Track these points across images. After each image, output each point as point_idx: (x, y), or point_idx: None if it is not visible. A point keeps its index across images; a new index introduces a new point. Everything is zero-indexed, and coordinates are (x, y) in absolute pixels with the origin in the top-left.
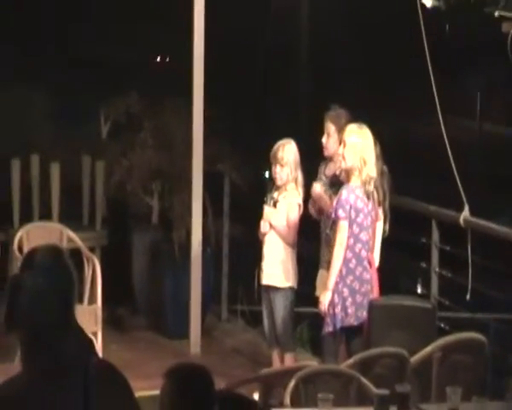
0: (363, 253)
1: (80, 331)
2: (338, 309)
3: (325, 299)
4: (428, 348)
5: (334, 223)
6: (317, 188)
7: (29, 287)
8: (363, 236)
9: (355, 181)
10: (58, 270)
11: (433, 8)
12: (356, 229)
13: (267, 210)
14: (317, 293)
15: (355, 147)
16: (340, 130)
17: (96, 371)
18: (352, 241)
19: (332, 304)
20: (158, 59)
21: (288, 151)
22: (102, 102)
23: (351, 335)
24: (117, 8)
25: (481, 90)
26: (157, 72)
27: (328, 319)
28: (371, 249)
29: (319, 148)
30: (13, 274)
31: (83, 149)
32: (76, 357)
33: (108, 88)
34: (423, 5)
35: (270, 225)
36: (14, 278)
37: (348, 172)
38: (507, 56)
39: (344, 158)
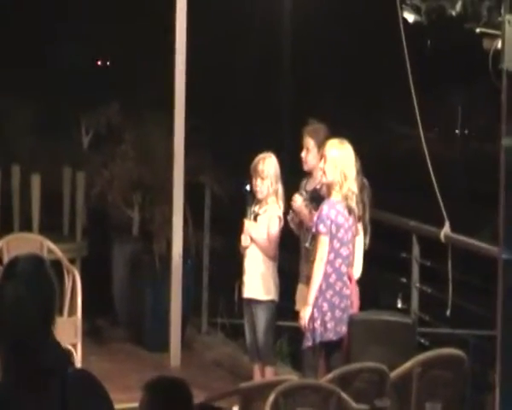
0: (343, 268)
1: (57, 343)
2: (317, 324)
3: (305, 314)
4: (408, 364)
5: (315, 237)
6: (298, 201)
7: (10, 296)
8: (344, 251)
9: (336, 196)
10: (40, 280)
11: (415, 22)
12: (336, 244)
13: (247, 224)
14: (297, 307)
15: (335, 161)
16: (319, 144)
17: (75, 381)
18: (332, 256)
19: (311, 319)
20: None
21: (268, 164)
22: (83, 113)
23: (330, 350)
24: (98, 17)
25: (462, 105)
26: (138, 82)
27: (307, 334)
28: (351, 264)
29: (300, 162)
30: None
31: (64, 160)
32: (55, 369)
33: (89, 99)
34: (405, 20)
35: (251, 239)
36: None
37: (329, 187)
38: (488, 72)
39: (324, 173)
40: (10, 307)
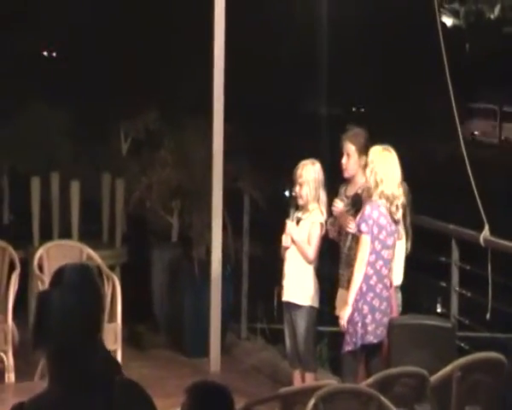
0: (384, 270)
1: (107, 351)
2: (358, 327)
3: (345, 314)
4: (448, 368)
5: (355, 240)
6: (339, 205)
7: (58, 304)
8: (385, 253)
9: (377, 199)
10: (87, 288)
11: (454, 26)
12: (378, 245)
13: (290, 225)
14: (337, 312)
15: (379, 166)
16: (360, 150)
17: (122, 390)
18: (373, 257)
19: (352, 322)
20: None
21: (307, 170)
22: (122, 119)
23: (370, 354)
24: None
25: (501, 109)
26: (177, 88)
27: (347, 338)
28: (391, 269)
29: (338, 169)
30: (41, 290)
31: (103, 166)
32: (103, 375)
33: (128, 106)
34: (443, 23)
35: (292, 241)
36: (42, 295)
37: (371, 192)
38: None
39: (367, 178)
40: (57, 315)
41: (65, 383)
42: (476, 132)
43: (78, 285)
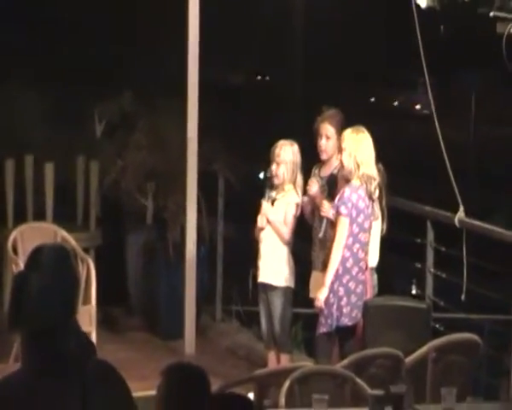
0: (361, 253)
1: (81, 333)
2: (333, 309)
3: (322, 295)
4: (423, 349)
5: (331, 222)
6: (314, 187)
7: (34, 286)
8: (362, 236)
9: (356, 182)
10: (64, 270)
11: (428, 8)
12: (355, 229)
13: (265, 205)
14: (311, 294)
15: (354, 150)
16: (339, 131)
17: (96, 372)
18: (350, 240)
19: (327, 304)
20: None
21: (285, 151)
22: (97, 102)
23: (344, 336)
24: (109, 7)
25: (476, 91)
26: (151, 71)
27: (322, 319)
28: (367, 252)
29: (313, 150)
30: (17, 272)
31: (77, 149)
32: (76, 357)
33: (103, 88)
34: (418, 6)
35: (267, 221)
36: (18, 277)
37: (348, 175)
38: (502, 56)
39: (343, 162)
40: (34, 296)
41: (38, 366)
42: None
43: (55, 267)
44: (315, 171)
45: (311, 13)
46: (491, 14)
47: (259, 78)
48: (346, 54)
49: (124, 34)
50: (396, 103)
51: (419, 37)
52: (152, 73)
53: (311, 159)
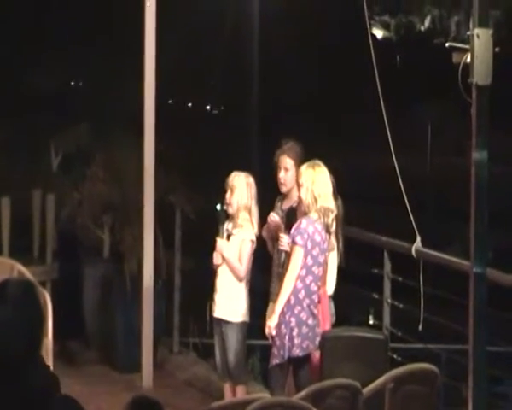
0: (314, 286)
1: (46, 367)
2: (285, 340)
3: (272, 322)
4: (381, 379)
5: (289, 255)
6: (275, 217)
7: (1, 320)
8: (316, 270)
9: (314, 215)
10: (29, 304)
11: (384, 38)
12: (309, 260)
13: (220, 242)
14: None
15: (311, 184)
16: (297, 163)
17: (61, 407)
18: (304, 272)
19: (279, 335)
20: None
21: (239, 179)
22: (53, 134)
23: (298, 366)
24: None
25: (433, 120)
26: (108, 103)
27: (275, 351)
28: (323, 283)
29: (273, 183)
30: None
31: (34, 182)
32: (41, 392)
33: (59, 120)
34: (374, 36)
35: (223, 258)
36: None
37: (306, 209)
38: (458, 86)
39: (301, 196)
40: (0, 331)
41: (3, 399)
42: None
43: (22, 302)
44: (277, 203)
45: (268, 48)
46: (447, 44)
47: (216, 112)
48: (304, 86)
49: (80, 66)
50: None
51: (375, 67)
52: (108, 104)
53: (274, 192)
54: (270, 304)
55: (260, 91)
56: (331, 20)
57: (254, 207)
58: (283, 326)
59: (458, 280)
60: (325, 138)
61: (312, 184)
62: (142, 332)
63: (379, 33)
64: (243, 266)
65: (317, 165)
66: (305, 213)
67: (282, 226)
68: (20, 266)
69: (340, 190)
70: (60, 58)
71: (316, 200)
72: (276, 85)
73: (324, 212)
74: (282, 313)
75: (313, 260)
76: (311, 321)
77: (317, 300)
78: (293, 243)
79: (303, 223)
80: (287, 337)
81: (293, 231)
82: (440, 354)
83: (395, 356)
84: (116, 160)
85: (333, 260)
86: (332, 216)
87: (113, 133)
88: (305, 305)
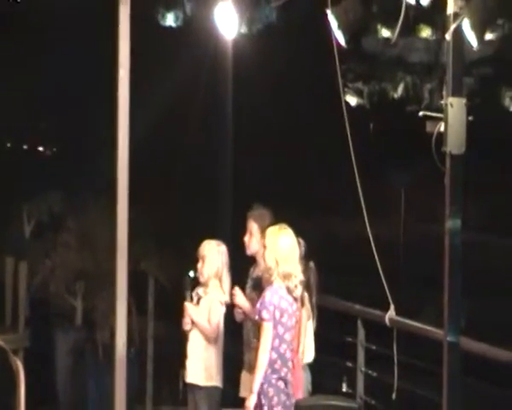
0: (288, 353)
1: None
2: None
3: (250, 402)
4: None
5: (258, 324)
6: (239, 296)
7: None
8: (288, 336)
9: (278, 282)
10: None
11: (358, 106)
12: (280, 329)
13: (188, 306)
14: (241, 394)
15: (274, 248)
16: (263, 229)
17: None
18: (277, 342)
19: (259, 406)
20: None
21: (210, 248)
22: (25, 201)
23: None
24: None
25: (406, 188)
26: (80, 170)
27: None
28: (296, 350)
29: (243, 247)
30: None
31: (5, 249)
32: None
33: (31, 187)
34: (348, 103)
35: (192, 322)
36: None
37: (271, 272)
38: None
39: (264, 260)
40: None
41: None
42: None
43: None
44: (250, 272)
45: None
46: (421, 113)
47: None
48: (276, 154)
49: (53, 133)
50: None
51: (348, 134)
52: (80, 171)
53: (248, 260)
54: (243, 372)
55: (234, 163)
56: (304, 87)
57: (226, 274)
58: (262, 397)
59: (432, 348)
60: (297, 206)
61: (275, 247)
62: (114, 401)
63: (352, 100)
64: (213, 327)
65: (283, 228)
66: (268, 281)
67: (246, 303)
68: None
69: (313, 258)
70: (30, 124)
71: (277, 263)
72: (249, 154)
73: (286, 276)
74: (260, 384)
75: (284, 327)
76: (287, 389)
77: (292, 366)
78: (260, 318)
79: (267, 296)
80: (266, 408)
81: (258, 306)
82: None
83: None
84: (88, 226)
85: (310, 329)
86: (295, 281)
87: (85, 199)
88: (282, 374)
